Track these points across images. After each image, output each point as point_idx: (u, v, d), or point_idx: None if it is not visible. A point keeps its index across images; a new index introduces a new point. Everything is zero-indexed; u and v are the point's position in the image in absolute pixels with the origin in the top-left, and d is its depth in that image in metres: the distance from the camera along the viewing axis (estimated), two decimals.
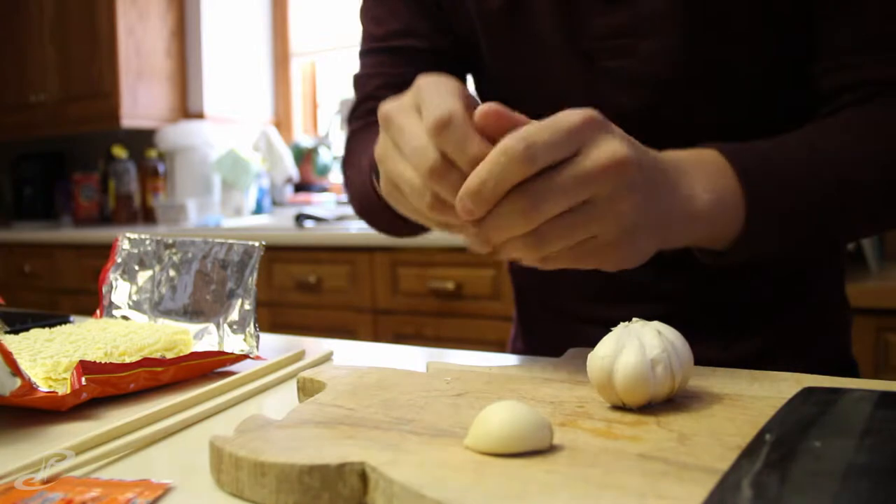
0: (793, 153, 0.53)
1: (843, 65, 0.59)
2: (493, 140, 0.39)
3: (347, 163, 0.74)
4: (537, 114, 0.41)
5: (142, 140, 2.83)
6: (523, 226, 0.40)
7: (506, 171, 0.38)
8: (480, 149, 0.39)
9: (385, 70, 0.73)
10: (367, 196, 0.66)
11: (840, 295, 0.74)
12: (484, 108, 0.40)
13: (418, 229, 0.67)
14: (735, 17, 0.59)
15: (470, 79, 0.76)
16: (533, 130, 0.38)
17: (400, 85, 0.70)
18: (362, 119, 0.75)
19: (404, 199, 0.46)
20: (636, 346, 0.39)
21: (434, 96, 0.41)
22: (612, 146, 0.40)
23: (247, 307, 0.61)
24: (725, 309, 0.68)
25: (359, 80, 0.76)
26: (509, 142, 0.38)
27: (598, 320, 0.68)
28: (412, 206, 0.45)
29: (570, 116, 0.39)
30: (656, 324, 0.41)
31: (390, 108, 0.44)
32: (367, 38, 0.75)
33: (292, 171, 2.75)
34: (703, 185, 0.48)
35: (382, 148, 0.45)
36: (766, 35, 0.60)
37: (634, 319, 0.41)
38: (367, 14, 0.75)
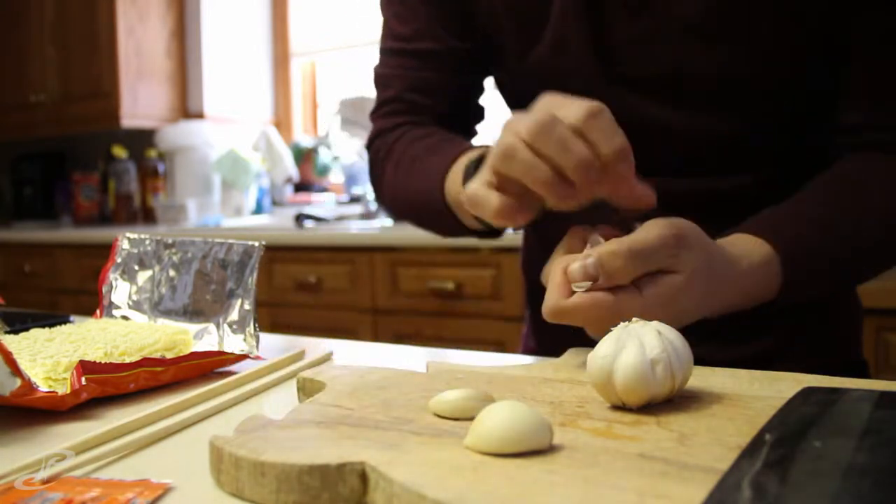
0: (825, 230, 0.58)
1: (876, 104, 0.61)
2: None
3: (391, 161, 0.75)
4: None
5: (142, 140, 2.83)
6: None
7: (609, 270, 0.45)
8: (622, 142, 0.46)
9: (409, 73, 0.74)
10: (427, 198, 0.67)
11: (850, 294, 0.75)
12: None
13: (469, 233, 0.68)
14: (759, 34, 0.60)
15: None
16: (636, 250, 0.45)
17: (423, 89, 0.73)
18: (390, 119, 0.76)
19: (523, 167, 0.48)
20: (636, 346, 0.39)
21: (576, 100, 0.47)
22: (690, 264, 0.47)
23: (247, 307, 0.61)
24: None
25: (382, 79, 0.77)
26: (612, 254, 0.45)
27: None
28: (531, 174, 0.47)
29: (664, 239, 0.46)
30: (656, 324, 0.41)
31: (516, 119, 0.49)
32: (389, 34, 0.75)
33: (292, 171, 2.75)
34: (750, 281, 0.54)
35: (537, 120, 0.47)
36: (792, 56, 0.61)
37: (634, 319, 0.41)
38: (389, 10, 0.75)
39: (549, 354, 0.60)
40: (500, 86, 0.75)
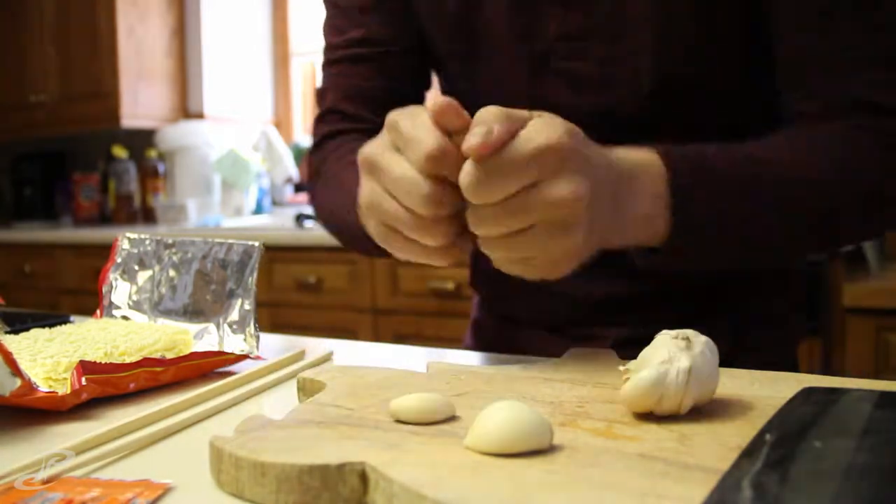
0: (734, 170, 0.54)
1: (831, 81, 0.58)
2: (447, 132, 0.43)
3: (321, 177, 0.73)
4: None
5: (142, 140, 2.83)
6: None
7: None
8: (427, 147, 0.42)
9: (344, 81, 0.73)
10: (347, 219, 0.63)
11: (788, 309, 0.72)
12: (439, 102, 0.43)
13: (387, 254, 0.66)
14: (691, 29, 0.60)
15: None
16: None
17: (357, 96, 0.73)
18: (326, 127, 0.74)
19: (398, 239, 0.47)
20: (662, 363, 0.38)
21: (412, 132, 0.43)
22: (569, 184, 0.42)
23: (247, 307, 0.61)
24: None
25: (320, 94, 0.75)
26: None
27: (567, 333, 0.69)
28: (406, 246, 0.47)
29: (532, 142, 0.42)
30: (700, 339, 0.39)
31: (370, 152, 0.46)
32: (327, 49, 0.75)
33: (292, 171, 2.75)
34: (644, 195, 0.50)
35: (370, 194, 0.47)
36: (724, 46, 0.61)
37: (684, 333, 0.39)
38: (327, 25, 0.75)
39: (487, 347, 0.59)
40: (441, 86, 0.75)
